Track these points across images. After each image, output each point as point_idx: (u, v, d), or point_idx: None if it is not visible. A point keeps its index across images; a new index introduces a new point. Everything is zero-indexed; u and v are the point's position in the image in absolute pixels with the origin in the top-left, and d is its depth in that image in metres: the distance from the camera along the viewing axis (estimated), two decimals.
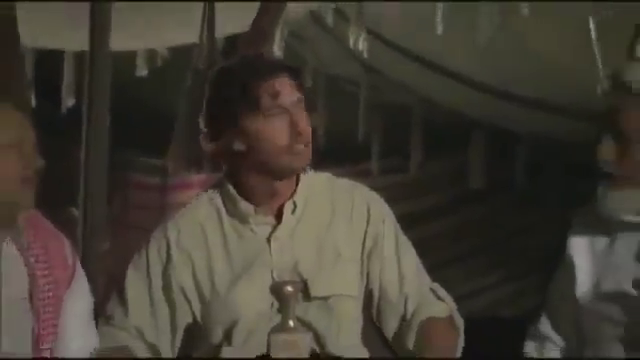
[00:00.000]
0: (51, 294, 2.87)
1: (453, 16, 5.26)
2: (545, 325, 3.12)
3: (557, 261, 3.22)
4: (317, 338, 3.04)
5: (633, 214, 2.95)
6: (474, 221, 7.15)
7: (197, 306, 3.11)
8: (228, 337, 3.07)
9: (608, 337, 2.96)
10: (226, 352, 3.10)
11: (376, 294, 3.09)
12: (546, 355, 3.15)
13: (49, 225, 3.03)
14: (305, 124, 3.06)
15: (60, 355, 2.90)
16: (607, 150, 2.92)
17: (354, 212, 3.18)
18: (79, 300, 2.97)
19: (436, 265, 3.50)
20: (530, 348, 3.14)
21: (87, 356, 2.95)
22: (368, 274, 3.11)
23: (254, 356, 3.03)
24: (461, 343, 3.08)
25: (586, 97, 4.94)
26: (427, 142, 7.33)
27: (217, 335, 3.08)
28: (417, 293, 3.10)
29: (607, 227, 3.03)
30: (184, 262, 3.12)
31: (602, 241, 3.08)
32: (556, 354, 3.10)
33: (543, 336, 3.12)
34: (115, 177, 4.91)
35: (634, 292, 2.85)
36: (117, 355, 3.01)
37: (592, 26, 4.93)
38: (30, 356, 2.80)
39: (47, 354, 2.84)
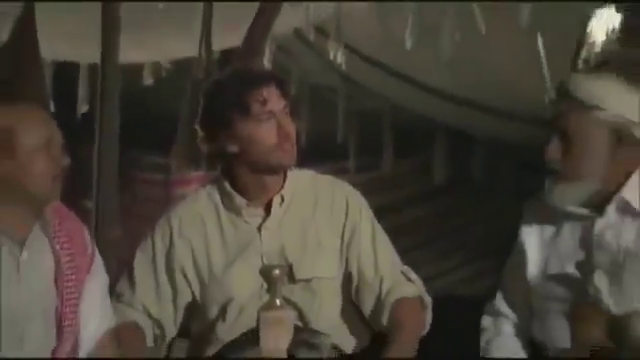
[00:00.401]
0: (73, 277, 2.87)
1: (421, 33, 5.26)
2: (500, 302, 3.12)
3: (510, 246, 3.21)
4: (300, 315, 3.10)
5: (575, 205, 2.93)
6: (438, 212, 7.19)
7: (196, 286, 3.16)
8: (223, 313, 3.12)
9: (554, 312, 2.95)
10: (220, 329, 3.17)
11: (354, 276, 3.14)
12: (501, 328, 3.14)
13: (73, 216, 3.03)
14: (290, 127, 3.14)
15: (80, 332, 2.91)
16: (553, 150, 2.92)
17: (334, 205, 3.24)
18: (97, 283, 2.97)
19: (406, 250, 3.52)
20: (487, 322, 3.14)
21: (104, 332, 2.98)
22: (347, 259, 3.17)
23: (245, 330, 3.08)
24: (429, 319, 3.16)
25: (535, 104, 4.94)
26: (397, 143, 7.36)
27: (213, 312, 3.14)
28: (390, 276, 3.14)
29: (553, 217, 3.03)
30: (185, 248, 3.17)
31: (549, 229, 3.08)
32: (509, 328, 3.09)
33: (498, 312, 3.12)
34: (124, 174, 4.98)
35: (576, 274, 2.87)
36: (126, 334, 3.04)
37: (540, 43, 4.91)
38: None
39: (69, 330, 2.84)
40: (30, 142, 2.81)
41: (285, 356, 2.94)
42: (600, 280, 2.79)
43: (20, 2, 5.27)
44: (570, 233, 3.01)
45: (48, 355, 2.83)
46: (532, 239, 3.09)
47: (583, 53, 4.77)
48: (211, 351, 3.18)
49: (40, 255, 2.87)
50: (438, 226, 7.02)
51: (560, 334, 2.86)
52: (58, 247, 2.89)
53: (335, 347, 3.08)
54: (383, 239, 3.22)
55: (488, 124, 6.76)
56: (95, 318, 2.96)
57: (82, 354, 2.90)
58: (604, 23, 4.60)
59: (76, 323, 2.88)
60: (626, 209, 2.87)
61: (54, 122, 3.01)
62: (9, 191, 2.80)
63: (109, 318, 3.01)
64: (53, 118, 3.60)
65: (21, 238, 2.85)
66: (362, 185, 3.71)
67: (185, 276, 3.17)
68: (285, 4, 4.86)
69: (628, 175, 2.89)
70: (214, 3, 4.90)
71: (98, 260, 3.05)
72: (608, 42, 4.47)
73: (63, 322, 2.82)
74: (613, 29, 4.31)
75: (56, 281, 2.85)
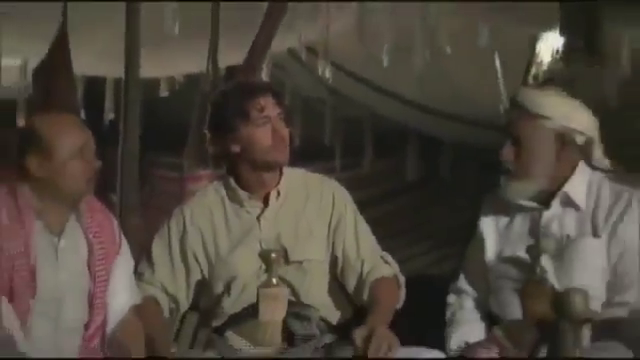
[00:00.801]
0: (104, 261, 2.90)
1: (396, 52, 5.25)
2: (462, 281, 3.17)
3: (471, 234, 3.24)
4: (293, 292, 3.11)
5: (526, 199, 2.99)
6: (411, 205, 7.16)
7: (205, 266, 3.18)
8: (228, 290, 3.13)
9: (507, 289, 2.98)
10: (225, 303, 3.18)
11: (340, 259, 3.17)
12: (463, 303, 3.18)
13: (103, 208, 3.06)
14: (284, 130, 3.15)
15: (109, 307, 2.94)
16: (507, 152, 2.96)
17: (323, 198, 3.25)
18: (124, 267, 3.00)
19: (383, 237, 3.49)
20: (451, 298, 3.18)
21: (130, 307, 3.01)
22: (333, 244, 3.18)
23: (247, 304, 3.13)
24: (402, 296, 3.18)
25: (493, 113, 4.97)
26: (375, 146, 7.32)
27: (219, 288, 3.16)
28: (370, 259, 3.16)
29: (507, 209, 3.08)
30: (196, 234, 3.19)
31: (503, 219, 3.13)
32: (470, 302, 3.13)
33: (461, 289, 3.15)
34: (144, 172, 4.95)
35: (526, 257, 2.88)
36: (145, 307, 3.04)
37: (497, 61, 4.95)
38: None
39: (99, 306, 2.88)
40: (65, 148, 2.81)
41: (280, 326, 3.07)
42: (546, 262, 2.82)
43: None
44: (521, 223, 3.06)
45: (81, 327, 2.88)
46: (489, 228, 3.13)
47: (532, 70, 4.86)
48: (218, 322, 3.19)
49: (75, 243, 2.89)
50: (411, 217, 6.97)
51: (513, 308, 2.88)
52: (91, 236, 2.91)
53: (323, 319, 3.11)
54: (364, 228, 3.25)
55: (454, 130, 6.75)
56: (122, 296, 2.97)
57: (110, 326, 2.93)
58: (550, 45, 4.67)
59: (106, 300, 2.90)
60: (568, 202, 2.93)
61: (88, 130, 3.02)
62: (48, 189, 2.82)
63: (134, 295, 3.02)
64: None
65: (59, 228, 2.87)
66: (346, 181, 3.58)
67: (196, 258, 3.19)
68: (281, 28, 4.87)
69: (570, 174, 2.95)
70: (220, 27, 4.92)
71: (125, 247, 3.06)
72: (553, 62, 4.58)
73: (95, 299, 2.85)
74: (557, 50, 4.32)
75: (89, 265, 2.88)
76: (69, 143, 2.81)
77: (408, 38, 5.16)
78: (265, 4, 4.81)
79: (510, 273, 2.95)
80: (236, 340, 3.11)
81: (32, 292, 2.74)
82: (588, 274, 2.83)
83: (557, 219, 2.93)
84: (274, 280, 3.09)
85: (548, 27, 4.39)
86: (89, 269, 2.88)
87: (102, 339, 2.90)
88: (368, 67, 5.97)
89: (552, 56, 4.60)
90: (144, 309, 3.04)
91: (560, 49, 4.30)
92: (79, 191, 2.86)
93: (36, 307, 2.73)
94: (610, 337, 2.76)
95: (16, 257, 2.74)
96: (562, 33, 4.11)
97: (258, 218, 3.16)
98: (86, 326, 2.86)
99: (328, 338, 3.10)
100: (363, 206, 3.42)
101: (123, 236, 3.11)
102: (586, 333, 2.63)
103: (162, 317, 3.13)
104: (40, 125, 2.90)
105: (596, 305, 2.74)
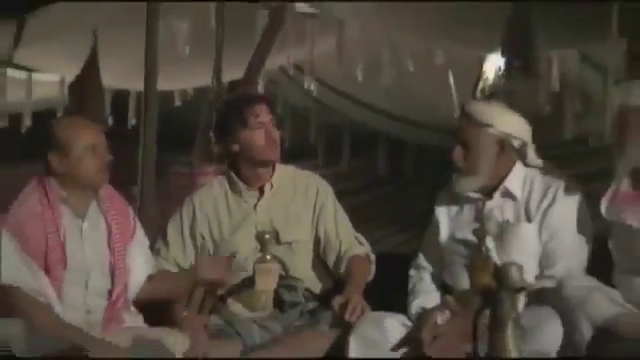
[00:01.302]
0: (121, 238, 2.96)
1: (369, 70, 5.24)
2: (421, 259, 3.19)
3: (429, 219, 3.27)
4: (284, 267, 3.19)
5: (472, 192, 3.02)
6: (381, 195, 7.13)
7: (211, 245, 3.24)
8: (234, 265, 3.18)
9: (458, 264, 3.03)
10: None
11: (322, 240, 3.24)
12: (422, 276, 3.19)
13: (120, 197, 3.09)
14: (275, 134, 3.21)
15: (128, 277, 2.99)
16: (457, 154, 2.99)
17: (308, 190, 3.30)
18: (139, 244, 3.04)
19: (358, 222, 3.51)
20: (412, 273, 3.20)
21: (147, 276, 3.06)
22: (317, 228, 3.25)
23: (245, 277, 3.21)
24: (373, 270, 3.26)
25: (448, 120, 4.88)
26: (352, 147, 7.27)
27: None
28: (347, 240, 3.23)
29: (457, 199, 3.12)
30: (203, 219, 3.25)
31: (455, 208, 3.16)
32: (427, 276, 3.16)
33: (420, 266, 3.19)
34: (160, 168, 4.86)
35: (473, 238, 2.84)
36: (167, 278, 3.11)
37: (451, 78, 4.93)
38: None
39: (119, 275, 2.92)
40: (79, 147, 2.85)
41: (272, 295, 3.14)
42: (489, 242, 2.79)
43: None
44: (469, 211, 3.09)
45: (106, 292, 2.92)
46: (443, 215, 3.17)
47: (480, 85, 4.93)
48: (221, 292, 3.22)
49: (96, 224, 2.94)
50: (381, 206, 6.91)
51: (462, 279, 2.90)
52: (109, 218, 2.95)
53: (307, 289, 3.18)
54: (342, 215, 3.29)
55: (416, 134, 6.71)
56: (138, 268, 3.02)
57: (131, 293, 2.98)
58: (494, 64, 4.76)
59: (124, 271, 2.93)
60: (507, 194, 2.98)
61: (99, 131, 3.05)
62: (69, 181, 2.87)
63: (150, 267, 3.06)
64: (111, 129, 3.62)
65: (83, 212, 2.93)
66: (328, 176, 3.67)
67: (203, 238, 3.24)
68: (273, 50, 4.88)
69: (508, 171, 2.98)
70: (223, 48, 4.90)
71: (139, 228, 3.10)
72: (496, 78, 4.61)
73: (115, 270, 2.90)
74: (500, 68, 4.31)
75: (109, 242, 2.93)
76: (82, 142, 2.85)
77: (378, 58, 5.15)
78: (261, 28, 4.83)
79: (460, 251, 3.01)
80: (236, 307, 3.14)
81: (63, 265, 2.81)
82: (523, 252, 2.87)
83: (498, 208, 2.98)
84: (268, 257, 3.17)
85: (492, 49, 4.40)
86: (109, 245, 2.93)
87: (125, 302, 2.95)
88: (346, 82, 5.92)
89: (496, 73, 4.62)
90: (159, 277, 3.10)
91: (502, 67, 4.28)
92: (94, 182, 2.91)
93: (67, 277, 2.81)
94: (540, 303, 2.80)
95: (49, 237, 2.79)
96: (504, 54, 4.12)
97: (255, 206, 3.21)
98: (110, 292, 2.91)
99: (312, 305, 3.15)
100: (341, 196, 3.46)
101: (138, 220, 3.16)
102: (521, 299, 2.62)
103: (174, 285, 3.14)
104: (57, 128, 2.96)
105: (529, 277, 2.75)
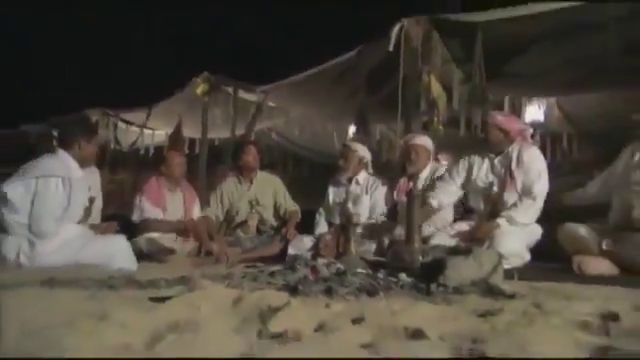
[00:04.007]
0: (188, 204, 3.20)
1: (303, 128, 5.24)
2: (320, 211, 3.26)
3: (324, 195, 3.28)
4: (260, 216, 3.33)
5: (345, 180, 3.13)
6: (302, 183, 5.75)
7: (227, 206, 3.34)
8: (235, 216, 3.34)
9: (337, 214, 3.05)
10: (235, 219, 3.28)
11: (277, 203, 3.36)
12: (320, 219, 3.18)
13: (188, 183, 3.31)
14: (257, 157, 3.34)
15: (193, 216, 3.15)
16: (341, 162, 3.14)
17: (272, 182, 3.41)
18: (195, 205, 3.24)
19: (293, 197, 3.46)
20: (317, 216, 3.21)
21: (198, 217, 3.16)
22: (275, 198, 3.36)
23: (242, 220, 3.32)
24: (299, 216, 3.32)
25: (330, 149, 5.13)
26: (290, 163, 7.07)
27: (233, 214, 3.36)
28: (288, 203, 3.37)
29: (338, 184, 3.20)
30: (225, 194, 3.35)
31: (335, 188, 3.25)
32: (322, 219, 3.20)
33: (320, 213, 3.24)
34: (209, 171, 4.97)
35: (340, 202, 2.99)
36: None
37: (335, 134, 5.18)
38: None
39: (189, 217, 3.13)
40: (174, 162, 3.15)
41: (255, 227, 3.27)
42: (350, 206, 3.00)
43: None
44: (340, 190, 3.16)
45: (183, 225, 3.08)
46: (331, 190, 3.22)
47: (350, 135, 4.63)
48: (232, 225, 3.31)
49: (179, 196, 3.18)
50: (301, 187, 5.80)
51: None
52: (184, 192, 3.21)
53: (271, 226, 3.36)
54: (286, 192, 3.43)
55: (319, 156, 6.42)
56: (195, 213, 3.20)
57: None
58: (352, 130, 4.63)
59: (190, 213, 3.15)
60: (357, 182, 3.11)
61: (182, 155, 3.29)
62: (168, 176, 3.13)
63: (199, 213, 3.25)
64: (186, 154, 3.69)
65: (173, 189, 3.19)
66: (280, 176, 3.67)
67: (223, 203, 3.37)
68: (257, 124, 4.72)
69: (360, 172, 3.14)
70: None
71: (196, 197, 3.30)
72: (353, 135, 4.44)
73: (186, 216, 3.14)
74: (354, 131, 4.30)
75: (184, 202, 3.18)
76: (175, 160, 3.16)
77: (302, 124, 5.14)
78: (251, 113, 4.79)
79: (335, 211, 3.16)
80: (239, 233, 3.31)
81: (164, 210, 3.11)
82: (363, 208, 3.01)
83: (354, 188, 3.14)
84: (253, 211, 3.38)
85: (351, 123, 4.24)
86: (184, 204, 3.18)
87: (192, 229, 3.17)
88: (290, 134, 5.72)
89: (353, 133, 4.48)
90: (204, 218, 3.27)
91: (354, 131, 4.24)
92: (178, 177, 3.16)
93: (166, 214, 3.10)
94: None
95: (159, 199, 3.06)
96: (355, 125, 4.06)
97: (248, 188, 3.39)
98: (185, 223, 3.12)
99: (272, 232, 3.32)
100: (288, 184, 3.57)
101: (197, 198, 3.32)
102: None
103: (212, 223, 3.30)
104: (167, 154, 3.25)
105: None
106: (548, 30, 2.49)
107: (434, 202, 2.71)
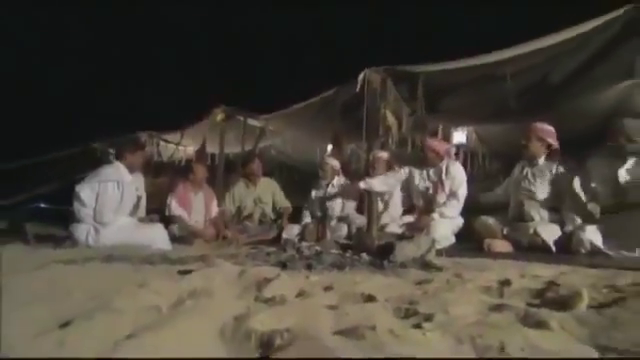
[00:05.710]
0: (208, 202, 3.03)
1: (291, 146, 4.96)
2: (305, 207, 3.11)
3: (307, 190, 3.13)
4: (263, 211, 3.25)
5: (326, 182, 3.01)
6: (293, 184, 5.43)
7: (238, 202, 3.26)
8: (243, 209, 3.23)
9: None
10: (243, 212, 3.16)
11: (274, 200, 3.29)
12: (305, 212, 3.03)
13: (209, 187, 3.16)
14: (260, 166, 3.26)
15: (211, 213, 2.93)
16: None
17: (270, 185, 3.35)
18: (213, 204, 3.07)
19: (286, 193, 3.38)
20: (304, 211, 3.04)
21: (217, 210, 2.97)
22: (273, 197, 3.30)
23: (249, 212, 3.20)
24: (290, 210, 3.24)
25: (314, 160, 4.64)
26: (285, 171, 6.39)
27: (242, 207, 3.24)
28: (282, 201, 3.31)
29: (318, 183, 3.10)
30: (237, 193, 3.27)
31: (317, 185, 3.11)
32: (308, 213, 3.04)
33: (306, 207, 3.09)
34: (225, 177, 4.41)
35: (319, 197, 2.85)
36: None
37: (318, 149, 4.67)
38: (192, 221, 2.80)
39: (209, 213, 2.95)
40: (199, 172, 3.01)
41: (258, 218, 3.15)
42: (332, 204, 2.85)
43: None
44: (322, 188, 2.99)
45: (204, 222, 2.87)
46: (313, 190, 3.07)
47: (329, 151, 4.16)
48: (242, 215, 3.21)
49: (202, 197, 3.03)
50: (292, 188, 5.25)
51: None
52: (205, 194, 3.05)
53: (270, 217, 3.26)
54: (281, 193, 3.36)
55: (303, 165, 5.69)
56: (213, 210, 3.05)
57: (212, 216, 2.98)
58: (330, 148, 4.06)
59: (210, 211, 2.98)
60: (337, 182, 2.97)
61: (205, 166, 3.13)
62: (194, 181, 2.98)
63: (216, 210, 3.09)
64: (208, 165, 3.47)
65: (197, 191, 2.97)
66: (278, 183, 3.53)
67: (234, 200, 3.28)
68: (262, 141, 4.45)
69: (334, 178, 3.01)
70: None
71: (214, 197, 3.12)
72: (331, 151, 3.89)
73: (207, 213, 2.98)
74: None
75: (205, 202, 3.02)
76: (200, 170, 3.03)
77: (294, 142, 4.82)
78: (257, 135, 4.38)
79: (316, 207, 3.03)
80: (246, 223, 3.21)
81: (190, 210, 2.97)
82: (337, 204, 2.89)
83: (330, 190, 3.03)
84: (257, 207, 3.26)
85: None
86: (205, 204, 3.03)
87: (213, 222, 3.02)
88: (284, 149, 5.30)
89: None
90: (221, 212, 3.14)
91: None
92: (201, 182, 3.03)
93: (191, 215, 2.96)
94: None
95: (186, 201, 2.92)
96: (331, 143, 3.75)
97: (253, 190, 3.30)
98: (206, 216, 2.92)
99: (271, 222, 3.23)
100: (283, 185, 3.48)
101: (214, 195, 3.16)
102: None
103: (227, 215, 3.22)
104: (194, 165, 3.08)
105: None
106: (469, 79, 2.62)
107: (377, 184, 2.69)
